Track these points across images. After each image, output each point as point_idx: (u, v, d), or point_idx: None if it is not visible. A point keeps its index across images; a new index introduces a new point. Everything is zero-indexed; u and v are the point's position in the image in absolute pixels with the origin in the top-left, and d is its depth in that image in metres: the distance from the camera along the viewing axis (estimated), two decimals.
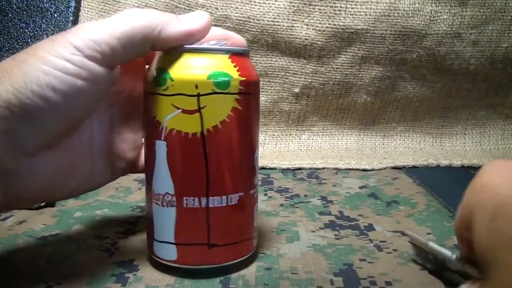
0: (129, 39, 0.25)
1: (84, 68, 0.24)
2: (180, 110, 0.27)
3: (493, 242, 0.20)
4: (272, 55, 0.64)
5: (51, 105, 0.24)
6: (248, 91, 0.28)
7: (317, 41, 0.62)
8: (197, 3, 0.61)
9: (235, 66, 0.28)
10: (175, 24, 0.26)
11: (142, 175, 0.33)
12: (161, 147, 0.27)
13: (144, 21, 0.25)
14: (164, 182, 0.28)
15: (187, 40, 0.27)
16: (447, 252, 0.26)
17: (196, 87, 0.26)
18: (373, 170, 0.59)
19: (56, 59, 0.24)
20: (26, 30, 0.57)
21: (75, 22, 0.57)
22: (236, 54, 0.28)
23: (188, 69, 0.27)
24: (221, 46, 0.29)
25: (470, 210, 0.21)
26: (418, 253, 0.31)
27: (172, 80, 0.27)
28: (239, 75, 0.28)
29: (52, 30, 0.57)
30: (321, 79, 0.65)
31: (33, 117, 0.24)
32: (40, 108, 0.23)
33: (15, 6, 0.56)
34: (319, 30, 0.62)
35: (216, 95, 0.27)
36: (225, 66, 0.27)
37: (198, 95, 0.26)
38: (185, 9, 0.62)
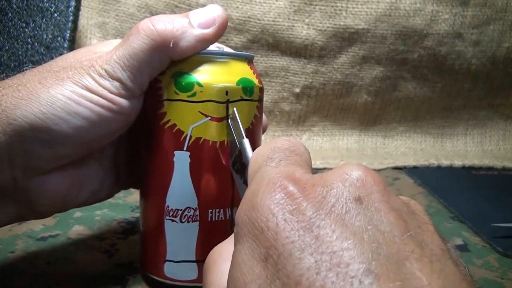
0: (149, 66, 0.24)
1: (116, 104, 0.24)
2: (209, 117, 0.25)
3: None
4: (272, 55, 0.64)
5: (79, 132, 0.23)
6: (263, 97, 0.28)
7: (317, 41, 0.62)
8: (197, 3, 0.61)
9: (253, 73, 0.27)
10: (188, 33, 0.24)
11: None
12: (183, 158, 0.25)
13: (156, 39, 0.24)
14: (185, 196, 0.25)
15: (204, 47, 0.25)
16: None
17: (226, 93, 0.25)
18: (373, 170, 0.59)
19: (87, 93, 0.23)
20: (26, 30, 0.56)
21: (75, 21, 0.57)
22: (252, 61, 0.28)
23: (217, 74, 0.25)
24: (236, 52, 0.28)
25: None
26: (229, 133, 0.26)
27: (200, 85, 0.25)
28: (258, 82, 0.27)
29: (52, 29, 0.57)
30: (321, 79, 0.65)
31: (56, 142, 0.23)
32: (67, 134, 0.23)
33: (15, 6, 0.56)
34: (319, 30, 0.62)
35: (243, 102, 0.26)
36: (248, 73, 0.27)
37: (227, 102, 0.25)
38: (185, 8, 0.62)
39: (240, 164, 0.24)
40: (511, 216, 0.41)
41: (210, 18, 0.25)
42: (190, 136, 0.25)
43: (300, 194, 0.16)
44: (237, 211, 0.17)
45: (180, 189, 0.26)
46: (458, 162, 0.61)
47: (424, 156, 0.63)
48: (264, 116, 0.30)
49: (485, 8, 0.62)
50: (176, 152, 0.25)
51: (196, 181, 0.25)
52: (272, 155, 0.19)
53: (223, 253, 0.18)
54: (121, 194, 0.33)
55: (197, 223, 0.26)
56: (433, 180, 0.54)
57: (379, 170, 0.59)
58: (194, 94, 0.25)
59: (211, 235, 0.26)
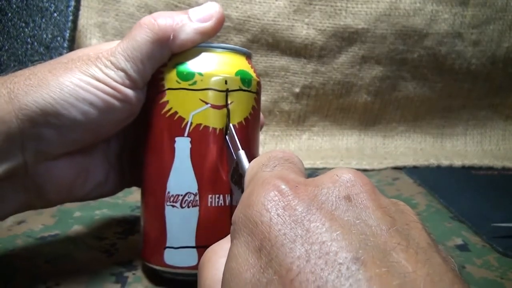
0: (151, 58, 0.26)
1: (121, 92, 0.26)
2: (209, 105, 0.26)
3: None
4: (272, 55, 0.64)
5: (86, 117, 0.25)
6: (260, 91, 0.29)
7: (317, 40, 0.62)
8: (197, 3, 0.61)
9: (251, 67, 0.29)
10: (187, 26, 0.26)
11: None
12: (183, 143, 0.26)
13: (158, 32, 0.26)
14: (185, 181, 0.26)
15: (202, 39, 0.27)
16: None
17: (226, 82, 0.27)
18: (373, 170, 0.59)
19: (94, 81, 0.25)
20: (26, 30, 0.56)
21: (74, 21, 0.57)
22: (250, 56, 0.29)
23: (217, 65, 0.27)
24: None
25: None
26: (228, 148, 0.27)
27: (201, 75, 0.26)
28: (255, 75, 0.29)
29: (51, 29, 0.57)
30: (321, 79, 0.65)
31: (65, 126, 0.25)
32: (75, 119, 0.25)
33: (14, 6, 0.56)
34: (319, 30, 0.62)
35: (242, 92, 0.27)
36: (246, 66, 0.28)
37: (227, 91, 0.27)
38: (185, 8, 0.62)
39: (238, 175, 0.25)
40: (511, 216, 0.41)
41: (207, 13, 0.27)
42: (191, 123, 0.26)
43: (292, 192, 0.17)
44: (234, 212, 0.18)
45: (181, 175, 0.26)
46: (458, 162, 0.61)
47: (424, 156, 0.63)
48: (261, 114, 0.31)
49: (485, 8, 0.62)
50: (177, 138, 0.26)
51: (196, 166, 0.26)
52: (267, 162, 0.20)
53: (218, 251, 0.19)
54: (120, 194, 0.33)
55: (197, 208, 0.26)
56: (432, 180, 0.54)
57: (378, 170, 0.59)
58: (195, 83, 0.26)
59: (210, 220, 0.27)
